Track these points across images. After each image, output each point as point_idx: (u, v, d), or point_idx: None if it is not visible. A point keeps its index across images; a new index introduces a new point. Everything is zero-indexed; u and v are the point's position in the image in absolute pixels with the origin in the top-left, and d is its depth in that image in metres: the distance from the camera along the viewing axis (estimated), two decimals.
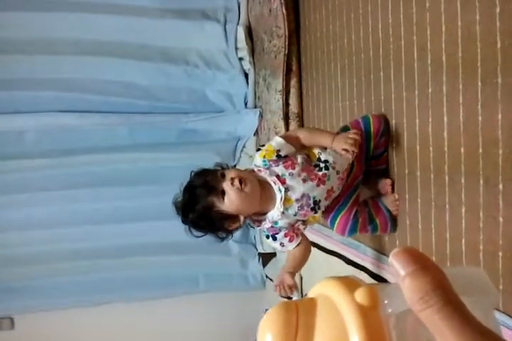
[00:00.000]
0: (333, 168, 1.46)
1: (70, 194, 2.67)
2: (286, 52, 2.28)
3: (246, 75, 2.71)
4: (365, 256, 1.77)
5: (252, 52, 2.66)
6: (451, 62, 1.23)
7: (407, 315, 0.31)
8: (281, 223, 1.44)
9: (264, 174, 1.43)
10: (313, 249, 2.11)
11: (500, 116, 1.07)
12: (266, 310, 2.84)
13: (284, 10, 2.24)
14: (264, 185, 1.41)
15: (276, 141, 1.44)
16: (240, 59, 2.66)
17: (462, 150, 1.20)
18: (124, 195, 2.78)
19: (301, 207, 1.42)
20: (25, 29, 2.49)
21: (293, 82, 2.36)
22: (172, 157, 2.75)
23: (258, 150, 1.47)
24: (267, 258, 2.88)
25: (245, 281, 2.96)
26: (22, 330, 2.79)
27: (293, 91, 2.36)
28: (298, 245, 1.45)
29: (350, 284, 0.35)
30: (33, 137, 2.61)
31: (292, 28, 2.30)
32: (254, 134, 2.71)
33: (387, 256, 1.60)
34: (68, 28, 2.51)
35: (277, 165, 1.42)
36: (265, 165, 1.43)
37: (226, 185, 1.34)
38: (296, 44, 2.35)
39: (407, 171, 1.48)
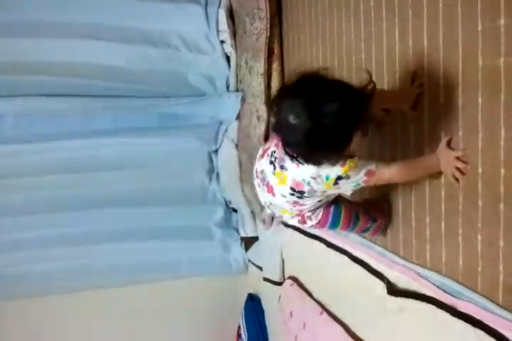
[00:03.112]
0: None
1: (48, 179, 2.63)
2: (268, 34, 2.26)
3: (228, 58, 2.67)
4: (345, 239, 1.77)
5: (234, 34, 2.62)
6: None
7: None
8: None
9: None
10: (294, 233, 2.14)
11: None
12: (249, 294, 2.88)
13: None
14: None
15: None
16: (222, 42, 2.62)
17: None
18: (106, 180, 2.75)
19: None
20: (1, 12, 2.42)
21: (275, 65, 2.34)
22: (153, 141, 2.72)
23: None
24: (249, 242, 2.89)
25: (228, 266, 2.96)
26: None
27: (275, 74, 2.34)
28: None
29: None
30: (11, 122, 2.56)
31: (274, 10, 2.28)
32: (237, 118, 2.69)
33: (368, 240, 1.62)
34: (46, 10, 2.44)
35: None
36: None
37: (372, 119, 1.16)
38: (278, 26, 2.33)
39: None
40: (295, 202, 1.33)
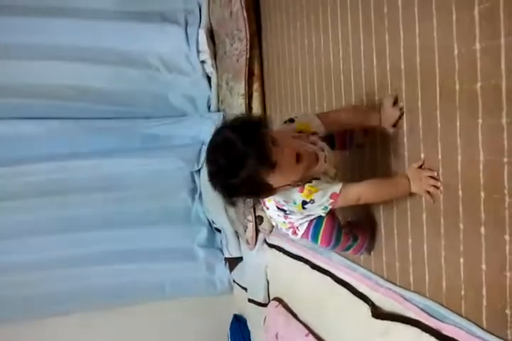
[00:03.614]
0: None
1: (28, 203, 2.60)
2: (248, 56, 2.26)
3: (209, 78, 2.68)
4: (329, 261, 1.76)
5: (215, 55, 2.63)
6: None
7: None
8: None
9: (301, 139, 1.28)
10: (279, 254, 2.12)
11: None
12: (234, 315, 2.84)
13: (244, 13, 2.22)
14: (304, 147, 1.25)
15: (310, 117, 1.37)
16: (202, 62, 2.63)
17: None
18: (87, 202, 2.72)
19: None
20: None
21: (255, 85, 2.34)
22: (135, 162, 2.70)
23: (291, 120, 1.35)
24: (233, 262, 2.86)
25: (213, 286, 2.93)
26: None
27: (255, 95, 2.35)
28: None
29: None
30: None
31: (253, 31, 2.29)
32: None
33: (352, 261, 1.61)
34: (23, 31, 2.43)
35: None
36: None
37: (281, 159, 1.12)
38: (258, 47, 2.33)
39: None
40: (285, 216, 1.35)
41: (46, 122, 2.53)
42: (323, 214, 1.32)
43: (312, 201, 1.23)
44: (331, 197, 1.24)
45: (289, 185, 1.21)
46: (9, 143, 2.52)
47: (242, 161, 1.09)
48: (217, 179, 1.15)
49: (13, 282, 2.66)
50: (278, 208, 1.31)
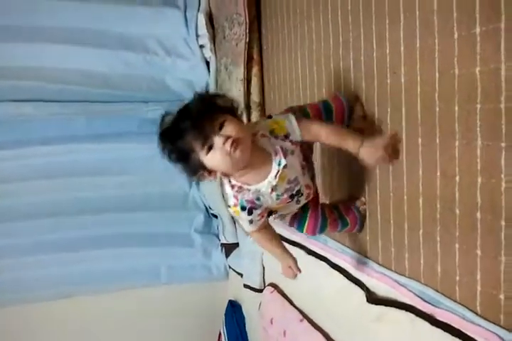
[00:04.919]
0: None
1: (25, 185, 2.60)
2: (247, 40, 2.25)
3: (207, 63, 2.66)
4: (325, 246, 1.77)
5: (214, 39, 2.61)
6: None
7: None
8: (263, 200, 1.31)
9: (268, 141, 1.29)
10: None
11: None
12: (229, 300, 2.85)
13: None
14: (259, 153, 1.26)
15: (292, 123, 1.31)
16: (201, 46, 2.61)
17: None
18: (85, 186, 2.73)
19: (286, 191, 1.33)
20: None
21: (254, 70, 2.33)
22: (132, 147, 2.70)
23: (269, 117, 1.36)
24: (229, 248, 2.86)
25: (209, 272, 2.94)
26: None
27: (254, 80, 2.33)
28: (264, 228, 1.39)
29: None
30: None
31: (253, 14, 2.27)
32: None
33: (348, 247, 1.61)
34: (23, 14, 2.41)
35: (283, 140, 1.31)
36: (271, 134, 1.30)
37: (217, 143, 1.16)
38: (257, 31, 2.31)
39: None
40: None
41: (46, 105, 2.52)
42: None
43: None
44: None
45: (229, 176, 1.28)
46: (9, 126, 2.52)
47: (183, 133, 1.16)
48: (160, 139, 1.21)
49: (13, 265, 2.67)
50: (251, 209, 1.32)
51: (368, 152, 1.28)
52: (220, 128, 1.17)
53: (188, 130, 1.15)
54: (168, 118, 1.20)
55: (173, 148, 1.19)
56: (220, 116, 1.19)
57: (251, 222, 1.34)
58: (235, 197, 1.30)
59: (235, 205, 1.31)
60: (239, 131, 1.19)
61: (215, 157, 1.17)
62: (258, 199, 1.30)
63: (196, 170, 1.23)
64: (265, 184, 1.28)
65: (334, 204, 1.58)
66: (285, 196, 1.34)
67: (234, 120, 1.22)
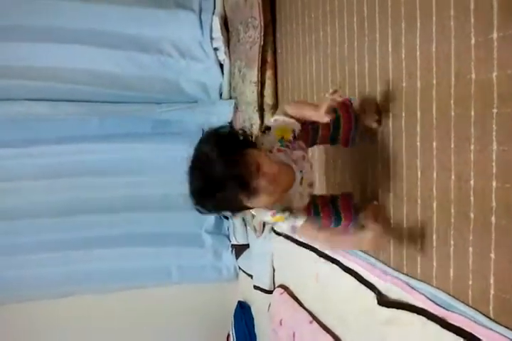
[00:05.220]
0: None
1: (37, 184, 2.62)
2: (262, 43, 2.26)
3: (221, 66, 2.68)
4: None
5: (228, 42, 2.63)
6: None
7: None
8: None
9: (285, 155, 1.29)
10: (286, 242, 2.13)
11: None
12: (239, 301, 2.86)
13: (259, 0, 2.21)
14: (283, 168, 1.25)
15: (285, 119, 1.33)
16: (215, 49, 2.63)
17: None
18: (97, 185, 2.75)
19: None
20: None
21: (268, 73, 2.34)
22: (145, 147, 2.72)
23: (267, 128, 1.35)
24: (240, 249, 2.88)
25: (219, 273, 2.95)
26: None
27: (268, 82, 2.35)
28: None
29: None
30: (2, 126, 2.55)
31: (268, 19, 2.28)
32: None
33: (359, 250, 1.62)
34: (39, 15, 2.44)
35: (294, 149, 1.32)
36: (282, 145, 1.30)
37: (263, 185, 1.14)
38: (272, 35, 2.33)
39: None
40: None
41: (59, 105, 2.55)
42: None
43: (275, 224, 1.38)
44: (291, 229, 1.34)
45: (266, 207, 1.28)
46: (22, 125, 2.55)
47: (223, 184, 1.09)
48: (199, 197, 1.16)
49: (19, 263, 2.70)
50: None
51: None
52: (258, 170, 1.14)
53: (228, 183, 1.09)
54: (196, 173, 1.16)
55: (217, 204, 1.16)
56: (249, 157, 1.14)
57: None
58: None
59: (273, 214, 1.31)
60: (271, 164, 1.18)
61: (262, 199, 1.17)
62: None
63: (241, 212, 1.26)
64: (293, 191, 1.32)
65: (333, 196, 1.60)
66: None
67: (259, 153, 1.20)
